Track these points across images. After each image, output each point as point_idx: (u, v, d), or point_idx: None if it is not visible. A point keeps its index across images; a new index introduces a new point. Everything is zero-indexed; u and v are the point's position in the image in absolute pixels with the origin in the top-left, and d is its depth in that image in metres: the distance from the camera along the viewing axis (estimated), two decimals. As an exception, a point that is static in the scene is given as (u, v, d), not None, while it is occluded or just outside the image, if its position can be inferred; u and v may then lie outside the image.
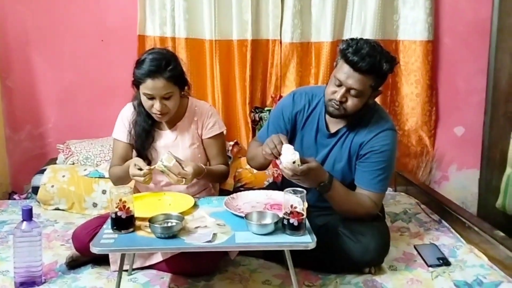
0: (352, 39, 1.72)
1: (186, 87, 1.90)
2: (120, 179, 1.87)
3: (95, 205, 2.43)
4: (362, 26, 2.88)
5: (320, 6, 2.85)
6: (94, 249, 1.35)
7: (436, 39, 2.97)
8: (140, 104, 1.89)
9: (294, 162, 1.56)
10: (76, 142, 2.77)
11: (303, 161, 1.61)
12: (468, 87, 3.06)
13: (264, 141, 1.78)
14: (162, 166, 1.69)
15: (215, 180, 2.00)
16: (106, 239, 1.39)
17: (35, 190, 2.50)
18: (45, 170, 2.55)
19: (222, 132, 2.00)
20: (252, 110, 2.93)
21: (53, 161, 2.79)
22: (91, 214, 2.37)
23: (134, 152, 1.97)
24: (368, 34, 2.85)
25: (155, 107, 1.80)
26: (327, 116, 1.85)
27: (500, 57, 2.83)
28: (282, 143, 1.63)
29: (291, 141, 1.92)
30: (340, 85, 1.71)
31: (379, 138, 1.77)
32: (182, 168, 1.71)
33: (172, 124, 1.95)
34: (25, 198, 2.73)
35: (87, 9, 2.89)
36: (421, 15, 2.87)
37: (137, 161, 1.75)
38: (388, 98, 3.00)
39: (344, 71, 1.70)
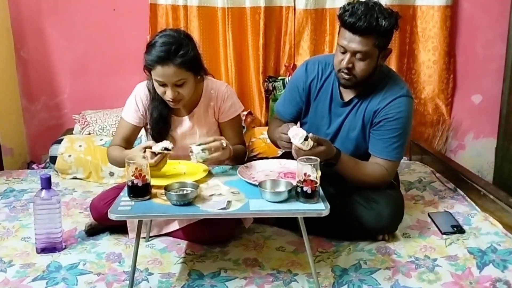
0: (348, 3, 1.69)
1: (202, 72, 1.79)
2: (118, 163, 1.81)
3: (111, 174, 2.46)
4: (378, -9, 2.80)
5: (335, -30, 2.79)
6: (112, 216, 1.38)
7: (455, 4, 2.89)
8: (154, 88, 1.79)
9: (305, 140, 1.55)
10: (92, 112, 2.80)
11: (316, 140, 1.59)
12: (487, 54, 2.99)
13: (282, 116, 1.84)
14: (197, 147, 1.61)
15: (235, 160, 1.85)
16: (123, 206, 1.42)
17: (53, 159, 2.54)
18: (62, 140, 2.59)
19: (239, 114, 1.93)
20: (266, 79, 2.91)
21: (69, 131, 2.82)
22: (108, 183, 2.42)
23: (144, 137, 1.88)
24: (385, -1, 2.78)
25: (168, 95, 1.70)
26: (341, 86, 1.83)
27: (521, 23, 2.76)
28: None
29: (306, 111, 1.92)
30: (344, 51, 1.70)
31: (393, 105, 1.75)
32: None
33: (188, 110, 1.87)
34: (43, 168, 2.78)
35: (99, -22, 2.88)
36: (440, -22, 2.79)
37: (145, 146, 1.62)
38: (405, 66, 2.95)
39: (345, 37, 1.68)
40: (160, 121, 1.83)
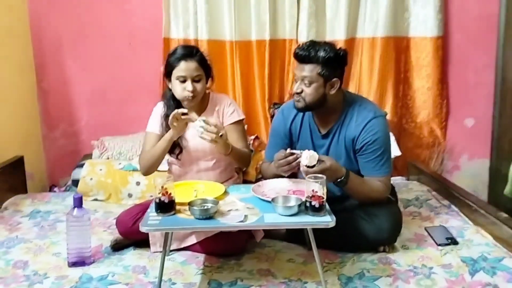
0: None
1: (210, 78, 2.13)
2: (153, 158, 2.04)
3: (130, 195, 2.63)
4: (374, 24, 3.01)
5: (334, 6, 3.00)
6: (143, 229, 1.56)
7: (445, 35, 3.08)
8: (169, 98, 2.11)
9: (311, 166, 1.75)
10: (110, 138, 2.98)
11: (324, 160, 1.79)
12: (478, 80, 3.16)
13: (271, 160, 1.99)
14: (201, 121, 1.88)
15: (240, 160, 2.13)
16: (152, 221, 1.59)
17: (75, 182, 2.72)
18: (83, 164, 2.77)
19: (242, 120, 2.19)
20: (271, 106, 3.09)
21: (87, 157, 2.98)
22: (126, 204, 2.57)
23: None
24: (381, 32, 3.00)
25: (187, 88, 2.01)
26: (316, 120, 2.04)
27: (508, 51, 2.93)
28: (291, 153, 1.82)
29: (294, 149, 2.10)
30: (297, 80, 1.95)
31: (367, 129, 1.94)
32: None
33: (198, 115, 2.14)
34: (64, 191, 2.94)
35: (116, 15, 3.08)
36: (431, 12, 2.99)
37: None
38: (401, 93, 3.13)
39: (295, 67, 1.97)
40: None
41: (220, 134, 1.89)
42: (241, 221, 1.58)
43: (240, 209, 1.69)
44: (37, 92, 3.15)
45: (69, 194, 2.74)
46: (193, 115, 2.08)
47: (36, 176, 3.10)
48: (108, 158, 2.84)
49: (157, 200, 1.63)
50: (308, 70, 1.90)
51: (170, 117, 1.94)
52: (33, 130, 3.15)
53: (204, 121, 1.88)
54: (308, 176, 1.64)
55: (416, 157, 3.16)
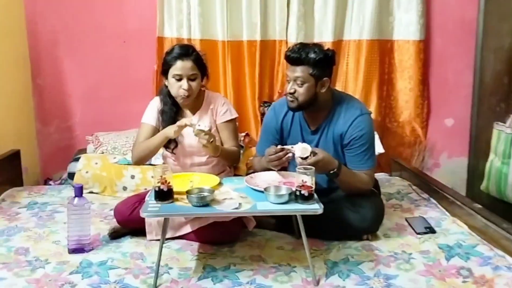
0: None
1: (205, 77, 2.21)
2: (147, 150, 2.13)
3: (125, 188, 2.72)
4: (360, 27, 3.16)
5: (322, 10, 3.14)
6: (143, 214, 1.66)
7: (427, 38, 3.25)
8: (166, 95, 2.20)
9: (305, 158, 1.87)
10: (104, 134, 3.06)
11: (316, 152, 1.92)
12: (457, 82, 3.34)
13: (262, 154, 2.10)
14: (198, 127, 1.99)
15: (228, 159, 2.24)
16: (152, 207, 1.69)
17: (71, 176, 2.80)
18: (79, 158, 2.85)
19: (234, 119, 2.29)
20: (261, 104, 3.22)
21: (81, 151, 3.05)
22: (121, 196, 2.64)
23: None
24: (366, 35, 3.15)
25: (183, 86, 2.09)
26: (306, 116, 2.17)
27: (485, 55, 3.11)
28: (282, 149, 1.94)
29: (284, 145, 2.22)
30: (289, 81, 2.07)
31: (354, 126, 2.08)
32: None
33: (193, 112, 2.25)
34: (59, 184, 3.02)
35: (111, 14, 3.18)
36: (414, 17, 3.16)
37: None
38: (384, 93, 3.29)
39: (287, 69, 2.09)
40: (170, 120, 2.18)
41: (211, 140, 2.00)
42: (236, 208, 1.69)
43: (235, 197, 1.80)
44: (32, 88, 3.22)
45: (65, 187, 2.83)
46: (194, 120, 2.12)
47: (30, 170, 3.16)
48: (102, 153, 2.92)
49: (156, 189, 1.73)
50: (300, 71, 2.02)
51: (177, 127, 2.04)
52: (28, 125, 3.21)
53: (199, 127, 1.99)
54: (298, 167, 1.76)
55: (398, 155, 3.30)
